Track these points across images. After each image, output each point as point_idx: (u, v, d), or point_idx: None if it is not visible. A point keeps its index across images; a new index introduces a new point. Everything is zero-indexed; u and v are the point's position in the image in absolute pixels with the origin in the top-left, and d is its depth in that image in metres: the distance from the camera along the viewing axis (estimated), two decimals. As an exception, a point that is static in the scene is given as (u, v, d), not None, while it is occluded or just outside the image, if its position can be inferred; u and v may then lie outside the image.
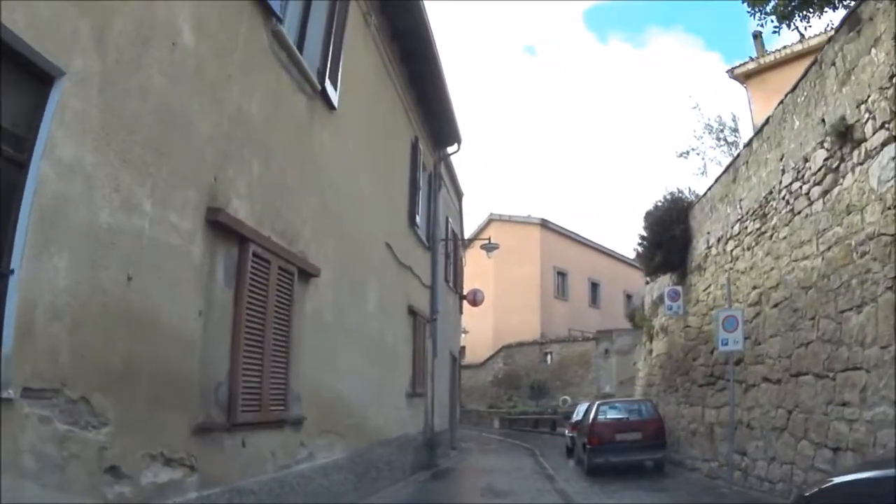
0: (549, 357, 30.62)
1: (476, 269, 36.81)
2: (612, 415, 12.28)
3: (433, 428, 12.94)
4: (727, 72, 17.69)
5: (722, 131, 16.29)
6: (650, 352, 17.21)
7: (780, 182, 9.09)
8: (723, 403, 10.48)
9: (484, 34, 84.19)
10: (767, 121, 9.74)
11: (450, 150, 14.33)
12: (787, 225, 8.69)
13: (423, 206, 12.54)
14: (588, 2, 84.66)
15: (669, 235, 13.90)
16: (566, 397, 28.10)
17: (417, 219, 11.53)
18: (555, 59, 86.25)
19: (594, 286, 36.53)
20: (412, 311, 11.10)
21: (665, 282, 16.56)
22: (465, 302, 18.51)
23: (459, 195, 17.77)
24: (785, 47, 15.76)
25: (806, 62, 8.99)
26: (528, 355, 31.15)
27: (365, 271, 8.68)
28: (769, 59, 16.55)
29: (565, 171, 79.10)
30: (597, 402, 12.73)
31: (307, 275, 6.33)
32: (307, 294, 6.40)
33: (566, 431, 16.53)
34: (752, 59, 17.32)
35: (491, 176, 77.59)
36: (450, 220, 15.67)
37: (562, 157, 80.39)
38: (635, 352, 21.87)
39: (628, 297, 38.73)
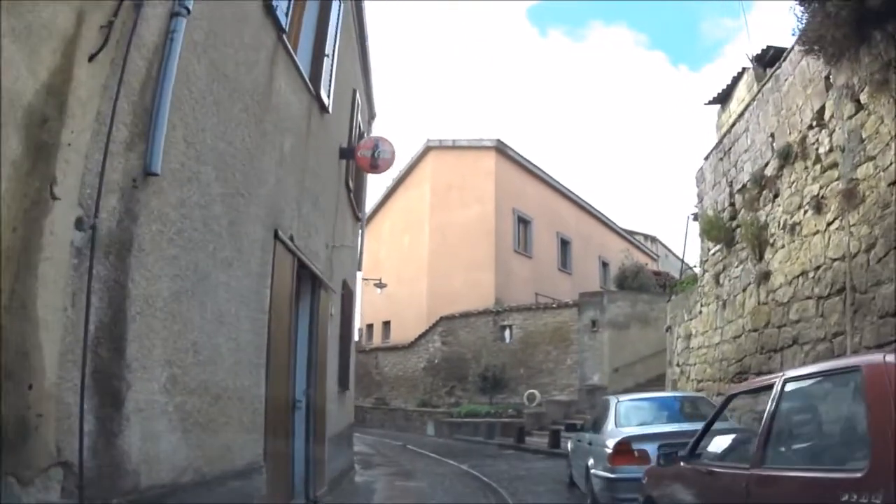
0: (508, 332, 21.02)
1: (406, 216, 26.97)
2: None
3: None
4: None
5: None
6: (765, 276, 7.71)
7: None
8: None
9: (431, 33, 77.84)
10: None
11: None
12: None
13: None
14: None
15: None
16: (533, 391, 19.10)
17: None
18: (495, 49, 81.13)
19: (564, 244, 27.17)
20: None
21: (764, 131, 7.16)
22: (356, 171, 8.58)
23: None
24: None
25: None
26: (477, 330, 21.47)
27: None
28: None
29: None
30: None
31: None
32: None
33: (579, 462, 6.80)
34: None
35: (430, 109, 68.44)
36: None
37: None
38: (671, 307, 12.46)
39: (604, 264, 29.78)
